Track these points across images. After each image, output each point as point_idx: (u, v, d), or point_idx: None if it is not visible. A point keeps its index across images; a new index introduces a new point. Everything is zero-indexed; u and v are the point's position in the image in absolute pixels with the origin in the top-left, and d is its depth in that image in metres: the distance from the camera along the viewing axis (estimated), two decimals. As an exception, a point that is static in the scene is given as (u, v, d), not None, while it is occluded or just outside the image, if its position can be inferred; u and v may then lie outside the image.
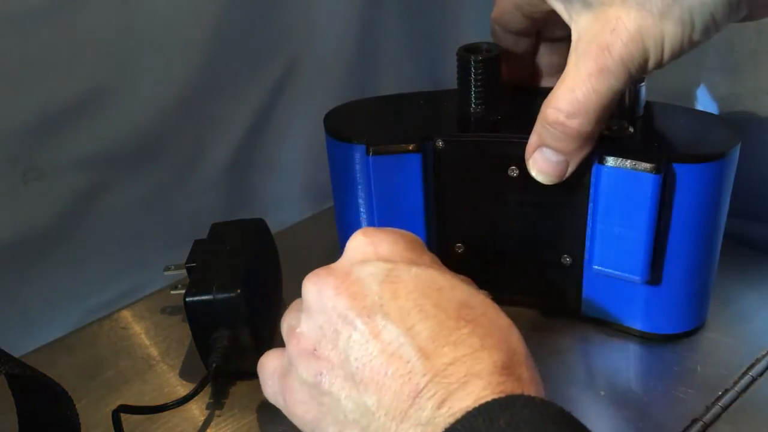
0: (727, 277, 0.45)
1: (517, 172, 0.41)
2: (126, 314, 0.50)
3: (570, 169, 0.39)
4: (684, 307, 0.43)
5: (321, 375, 0.31)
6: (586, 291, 0.44)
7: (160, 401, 0.39)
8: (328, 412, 0.31)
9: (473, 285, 0.36)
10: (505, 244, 0.45)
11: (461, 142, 0.42)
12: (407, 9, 0.65)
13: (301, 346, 0.32)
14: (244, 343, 0.41)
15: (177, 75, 0.53)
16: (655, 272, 0.41)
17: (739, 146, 0.39)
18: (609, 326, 0.45)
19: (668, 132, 0.42)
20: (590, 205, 0.41)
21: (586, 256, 0.42)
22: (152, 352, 0.46)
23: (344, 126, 0.45)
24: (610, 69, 0.34)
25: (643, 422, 0.38)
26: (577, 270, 0.43)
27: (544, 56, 0.46)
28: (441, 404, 0.27)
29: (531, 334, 0.45)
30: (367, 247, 0.33)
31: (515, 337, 0.30)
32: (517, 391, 0.27)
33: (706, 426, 0.38)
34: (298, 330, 0.32)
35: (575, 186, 0.40)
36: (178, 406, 0.39)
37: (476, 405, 0.26)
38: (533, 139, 0.39)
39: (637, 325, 0.44)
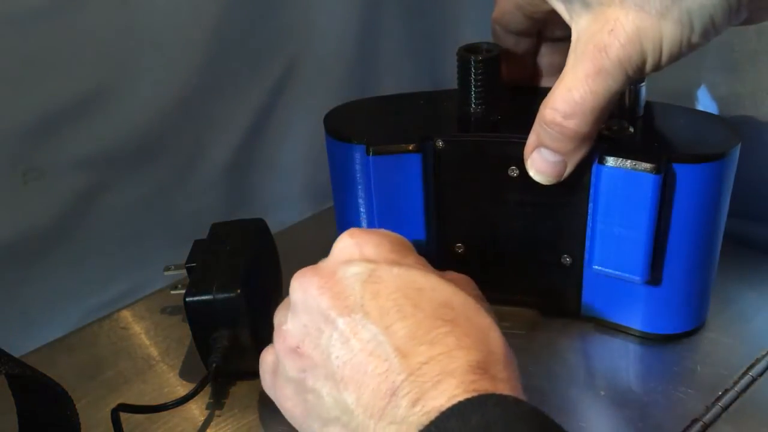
0: (727, 277, 0.45)
1: (518, 172, 0.41)
2: (126, 314, 0.50)
3: (568, 170, 0.39)
4: (684, 307, 0.43)
5: (305, 372, 0.32)
6: (586, 291, 0.44)
7: (160, 401, 0.39)
8: (312, 408, 0.32)
9: (470, 285, 0.36)
10: (505, 244, 0.45)
11: (461, 142, 0.42)
12: (407, 9, 0.65)
13: (287, 344, 0.33)
14: (244, 343, 0.41)
15: (177, 75, 0.53)
16: (655, 272, 0.41)
17: (739, 146, 0.39)
18: (609, 326, 0.45)
19: (668, 132, 0.42)
20: (590, 205, 0.41)
21: (586, 256, 0.42)
22: (152, 352, 0.46)
23: (344, 126, 0.45)
24: (607, 70, 0.34)
25: (643, 422, 0.38)
26: (577, 270, 0.43)
27: (545, 56, 0.46)
28: (415, 403, 0.27)
29: (531, 334, 0.45)
30: (352, 248, 0.34)
31: (494, 337, 0.30)
32: (491, 389, 0.27)
33: (706, 426, 0.38)
34: (284, 327, 0.33)
35: (575, 186, 0.40)
36: (178, 406, 0.39)
37: (449, 404, 0.26)
38: (532, 139, 0.39)
39: (637, 325, 0.44)
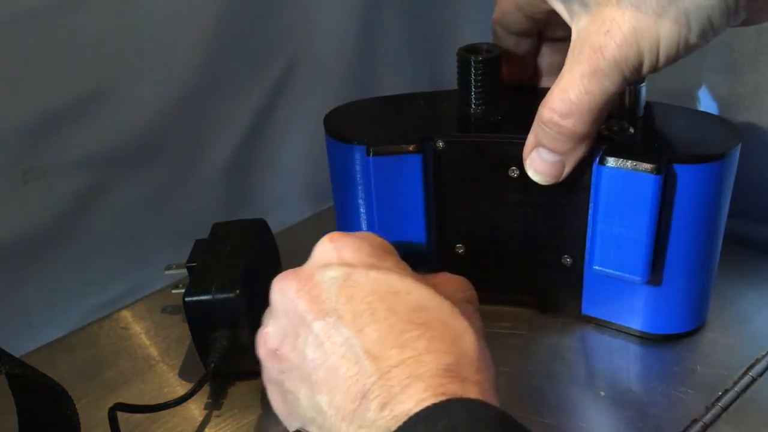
0: (727, 277, 0.45)
1: (518, 172, 0.41)
2: (126, 314, 0.50)
3: (566, 170, 0.39)
4: (684, 307, 0.43)
5: (284, 374, 0.32)
6: (587, 291, 0.44)
7: (160, 401, 0.39)
8: (292, 408, 0.33)
9: (461, 286, 0.36)
10: (505, 244, 0.45)
11: (461, 143, 0.42)
12: (407, 9, 0.65)
13: (267, 346, 0.33)
14: (243, 343, 0.41)
15: (177, 75, 0.53)
16: (655, 272, 0.41)
17: (739, 146, 0.39)
18: (609, 326, 0.45)
19: (669, 132, 0.42)
20: (591, 205, 0.41)
21: (587, 256, 0.42)
22: (152, 352, 0.46)
23: (344, 126, 0.45)
24: (603, 71, 0.34)
25: (643, 422, 0.38)
26: (577, 270, 0.43)
27: (546, 56, 0.46)
28: (383, 406, 0.27)
29: (531, 334, 0.45)
30: (331, 253, 0.34)
31: (468, 340, 0.30)
32: (460, 393, 0.27)
33: (706, 426, 0.38)
34: (264, 330, 0.34)
35: (576, 186, 0.40)
36: (175, 406, 0.39)
37: (417, 408, 0.26)
38: (530, 139, 0.39)
39: (637, 325, 0.44)
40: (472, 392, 0.27)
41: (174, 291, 0.47)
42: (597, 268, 0.42)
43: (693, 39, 0.33)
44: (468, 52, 0.43)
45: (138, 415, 0.39)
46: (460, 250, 0.45)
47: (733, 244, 0.44)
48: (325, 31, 0.60)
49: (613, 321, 0.44)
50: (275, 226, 0.49)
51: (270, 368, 0.34)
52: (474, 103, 0.44)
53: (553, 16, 0.38)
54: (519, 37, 0.44)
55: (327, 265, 0.33)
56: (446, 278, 0.36)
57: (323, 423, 0.30)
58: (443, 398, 0.26)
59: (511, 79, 0.46)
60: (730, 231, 0.42)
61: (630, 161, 0.38)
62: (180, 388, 0.43)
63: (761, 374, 0.41)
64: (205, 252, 0.44)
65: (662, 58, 0.34)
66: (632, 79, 0.35)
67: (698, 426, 0.38)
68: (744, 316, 0.45)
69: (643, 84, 0.42)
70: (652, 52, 0.33)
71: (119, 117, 0.51)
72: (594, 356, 0.44)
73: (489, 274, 0.46)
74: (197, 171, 0.58)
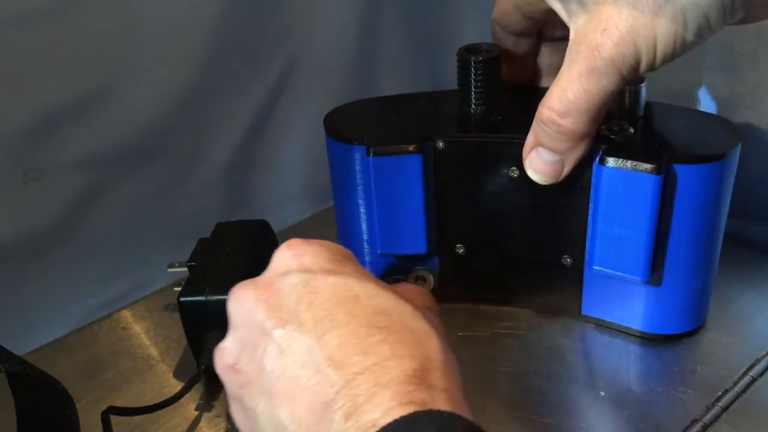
0: (727, 277, 0.45)
1: (518, 172, 0.41)
2: (126, 314, 0.50)
3: (566, 170, 0.39)
4: (684, 307, 0.43)
5: (242, 389, 0.31)
6: (587, 291, 0.44)
7: (160, 401, 0.39)
8: (253, 424, 0.31)
9: (421, 296, 0.35)
10: (505, 244, 0.45)
11: (461, 143, 0.42)
12: (407, 9, 0.65)
13: (224, 362, 0.32)
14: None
15: (177, 75, 0.53)
16: (655, 273, 0.41)
17: (739, 147, 0.39)
18: (609, 326, 0.45)
19: (669, 132, 0.42)
20: (591, 205, 0.41)
21: (587, 256, 0.42)
22: (152, 352, 0.46)
23: (344, 126, 0.45)
24: (600, 70, 0.34)
25: (643, 422, 0.38)
26: (577, 270, 0.43)
27: (545, 56, 0.46)
28: (349, 417, 0.26)
29: (531, 334, 0.45)
30: (290, 260, 0.32)
31: (433, 344, 0.29)
32: (427, 400, 0.26)
33: (706, 426, 0.38)
34: (221, 345, 0.32)
35: (576, 186, 0.40)
36: (166, 406, 0.39)
37: (384, 419, 0.25)
38: (530, 139, 0.39)
39: (637, 325, 0.44)
40: (440, 400, 0.26)
41: (176, 289, 0.47)
42: (597, 268, 0.42)
43: (690, 37, 0.33)
44: (468, 52, 0.43)
45: (137, 415, 0.39)
46: (460, 250, 0.45)
47: (733, 244, 0.44)
48: (325, 31, 0.60)
49: (613, 321, 0.44)
50: (275, 226, 0.49)
51: (229, 384, 0.32)
52: (474, 103, 0.44)
53: (552, 16, 0.38)
54: (518, 37, 0.44)
55: (287, 272, 0.31)
56: (407, 287, 0.35)
57: None
58: (411, 408, 0.25)
59: (511, 79, 0.46)
60: (730, 231, 0.42)
61: (630, 161, 0.38)
62: (179, 388, 0.43)
63: (761, 374, 0.41)
64: (206, 251, 0.44)
65: (659, 57, 0.34)
66: (630, 78, 0.35)
67: (698, 426, 0.38)
68: (744, 316, 0.45)
69: (643, 84, 0.42)
70: (649, 50, 0.33)
71: (119, 117, 0.51)
72: (594, 356, 0.44)
73: (489, 274, 0.46)
74: (197, 171, 0.58)
